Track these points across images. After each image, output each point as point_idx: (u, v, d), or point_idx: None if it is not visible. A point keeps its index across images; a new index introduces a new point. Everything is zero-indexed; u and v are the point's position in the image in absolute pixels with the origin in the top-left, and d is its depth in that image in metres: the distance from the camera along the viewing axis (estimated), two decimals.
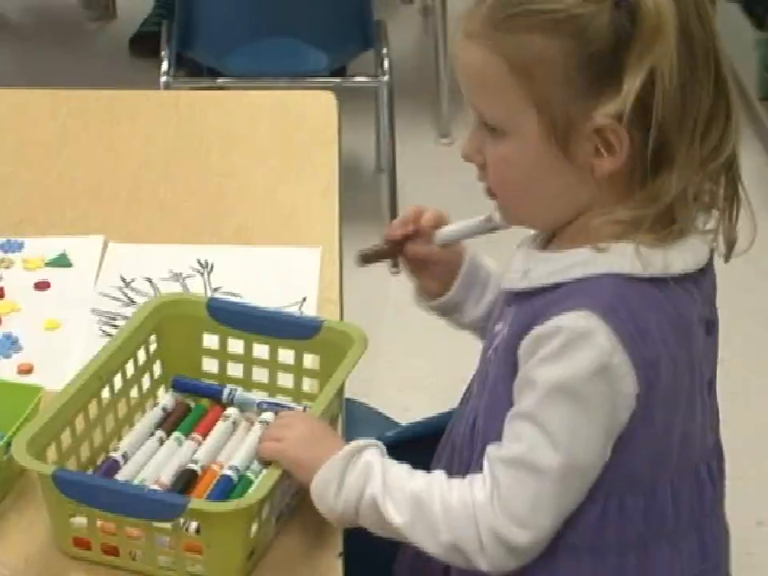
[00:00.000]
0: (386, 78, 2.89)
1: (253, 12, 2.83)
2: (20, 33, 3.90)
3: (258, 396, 1.36)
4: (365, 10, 2.87)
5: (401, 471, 1.19)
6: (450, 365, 2.35)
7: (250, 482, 1.25)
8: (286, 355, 1.36)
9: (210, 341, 1.38)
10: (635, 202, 1.12)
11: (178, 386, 1.37)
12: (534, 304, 1.15)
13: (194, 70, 3.02)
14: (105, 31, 3.87)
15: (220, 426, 1.32)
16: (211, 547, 1.16)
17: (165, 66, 2.87)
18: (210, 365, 1.39)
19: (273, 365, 1.37)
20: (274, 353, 1.36)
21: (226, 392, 1.36)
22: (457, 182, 3.05)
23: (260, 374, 1.38)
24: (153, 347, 1.36)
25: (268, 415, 1.32)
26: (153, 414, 1.33)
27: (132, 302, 1.56)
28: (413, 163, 3.14)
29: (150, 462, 1.27)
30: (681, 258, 1.14)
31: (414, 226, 1.34)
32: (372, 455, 1.20)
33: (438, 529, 1.16)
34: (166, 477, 1.25)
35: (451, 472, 1.22)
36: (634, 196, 1.13)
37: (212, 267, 1.62)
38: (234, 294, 1.58)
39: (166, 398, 1.35)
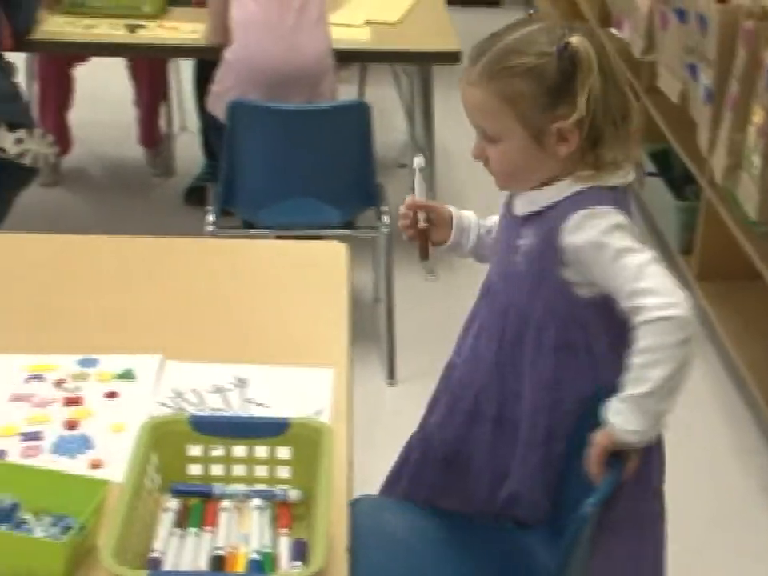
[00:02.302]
0: (385, 230, 2.92)
1: (281, 178, 2.86)
2: (96, 185, 3.92)
3: (242, 487, 1.36)
4: (368, 176, 2.91)
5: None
6: None
7: (271, 556, 1.25)
8: (261, 450, 1.37)
9: (194, 450, 1.38)
10: (584, 164, 1.48)
11: (176, 491, 1.35)
12: (547, 216, 1.50)
13: (234, 220, 3.04)
14: (165, 185, 3.88)
15: (223, 517, 1.31)
16: None
17: (210, 218, 2.89)
18: (195, 469, 1.38)
19: (250, 460, 1.37)
20: (251, 450, 1.36)
21: (216, 489, 1.35)
22: (441, 310, 3.11)
23: (239, 470, 1.38)
24: (156, 462, 1.35)
25: (257, 501, 1.33)
26: (168, 517, 1.31)
27: (182, 410, 1.55)
28: (405, 295, 3.15)
29: (183, 554, 1.26)
30: (614, 179, 1.50)
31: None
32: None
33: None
34: (203, 564, 1.24)
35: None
36: (583, 162, 1.48)
37: (247, 383, 1.61)
38: (263, 405, 1.56)
39: (173, 503, 1.33)
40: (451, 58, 3.12)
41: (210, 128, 3.25)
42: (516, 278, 1.57)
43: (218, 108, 2.96)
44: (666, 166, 3.55)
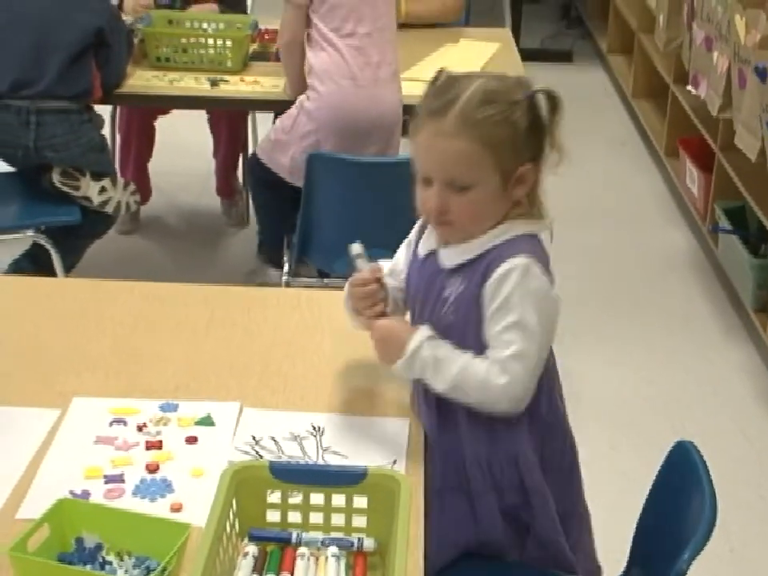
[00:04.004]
0: None
1: (356, 228, 2.87)
2: (173, 233, 4.00)
3: (319, 535, 1.37)
4: None
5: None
6: None
7: None
8: (338, 499, 1.38)
9: (273, 496, 1.39)
10: (520, 206, 1.52)
11: (253, 537, 1.37)
12: (479, 266, 1.51)
13: (309, 269, 3.08)
14: (240, 235, 3.95)
15: (300, 564, 1.32)
16: None
17: (286, 268, 2.94)
18: (273, 516, 1.39)
19: (327, 509, 1.38)
20: (328, 498, 1.38)
21: (294, 536, 1.36)
22: None
23: (316, 517, 1.40)
24: (234, 507, 1.36)
25: (333, 549, 1.34)
26: (247, 562, 1.32)
27: (260, 456, 1.57)
28: None
29: None
30: (539, 227, 1.53)
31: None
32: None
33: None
34: None
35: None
36: (520, 204, 1.52)
37: (323, 431, 1.63)
38: (339, 454, 1.58)
39: (251, 548, 1.34)
40: None
41: (255, 179, 3.28)
42: (444, 330, 1.55)
43: (274, 158, 3.01)
44: (742, 223, 3.52)
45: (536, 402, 1.54)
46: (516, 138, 1.49)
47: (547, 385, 1.58)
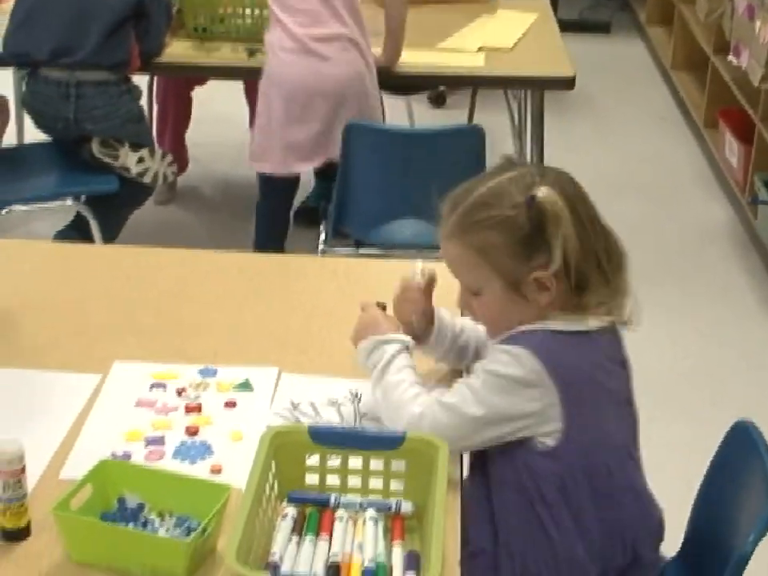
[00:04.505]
0: None
1: (393, 198, 2.90)
2: (209, 203, 4.01)
3: (357, 498, 1.38)
4: None
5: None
6: None
7: (385, 567, 1.27)
8: (377, 463, 1.40)
9: (312, 459, 1.41)
10: (568, 309, 1.46)
11: (292, 499, 1.38)
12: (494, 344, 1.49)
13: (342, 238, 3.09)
14: None
15: (338, 526, 1.34)
16: None
17: (323, 237, 2.95)
18: (311, 479, 1.41)
19: (365, 472, 1.40)
20: (366, 462, 1.39)
21: (332, 499, 1.37)
22: None
23: (354, 481, 1.41)
24: (273, 470, 1.38)
25: (371, 512, 1.35)
26: (287, 524, 1.34)
27: (298, 421, 1.58)
28: None
29: (300, 560, 1.29)
30: (590, 322, 1.46)
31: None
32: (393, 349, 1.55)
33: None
34: (320, 570, 1.26)
35: None
36: (568, 306, 1.46)
37: (361, 397, 1.63)
38: (377, 420, 1.58)
39: (290, 510, 1.36)
40: (566, 83, 3.13)
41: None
42: None
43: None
44: None
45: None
46: (514, 242, 1.43)
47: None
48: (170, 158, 3.27)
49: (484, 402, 1.45)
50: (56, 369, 1.68)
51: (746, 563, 1.42)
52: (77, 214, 3.26)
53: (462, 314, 1.59)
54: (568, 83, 3.11)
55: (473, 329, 1.69)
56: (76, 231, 3.23)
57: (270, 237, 3.24)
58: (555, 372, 1.42)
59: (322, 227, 3.00)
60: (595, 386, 1.47)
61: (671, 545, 1.66)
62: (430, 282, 1.65)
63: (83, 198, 3.17)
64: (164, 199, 3.93)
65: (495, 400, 1.44)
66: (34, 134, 3.36)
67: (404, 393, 1.51)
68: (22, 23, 3.01)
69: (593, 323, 1.47)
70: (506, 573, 1.51)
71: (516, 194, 1.44)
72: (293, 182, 3.20)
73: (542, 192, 1.42)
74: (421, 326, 1.65)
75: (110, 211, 3.20)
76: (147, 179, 3.19)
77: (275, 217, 3.26)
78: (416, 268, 1.67)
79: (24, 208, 3.13)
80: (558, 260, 1.42)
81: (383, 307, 1.66)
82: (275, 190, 3.19)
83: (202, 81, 3.91)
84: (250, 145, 3.13)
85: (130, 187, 3.18)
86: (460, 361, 1.70)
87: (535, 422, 1.44)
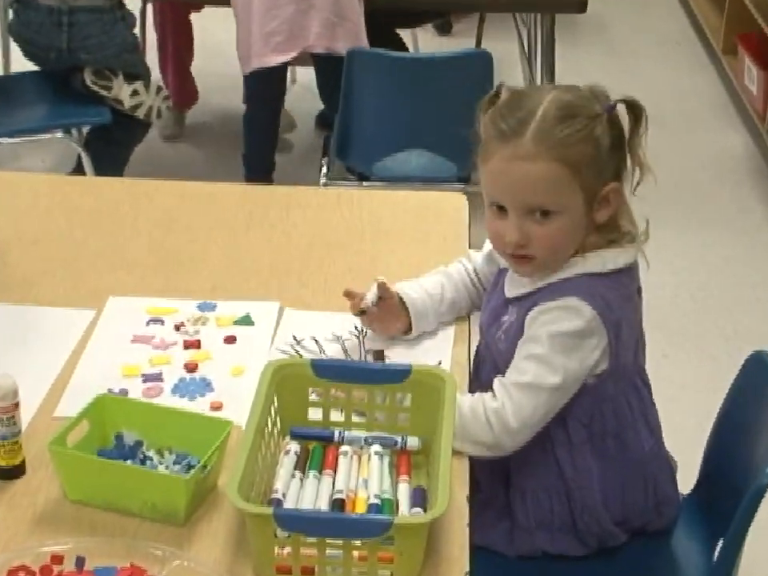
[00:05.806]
0: None
1: (394, 130, 2.86)
2: (215, 137, 3.95)
3: (361, 433, 1.37)
4: None
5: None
6: None
7: (390, 502, 1.26)
8: (381, 396, 1.39)
9: (315, 394, 1.40)
10: (599, 237, 1.44)
11: (295, 434, 1.37)
12: (532, 297, 1.44)
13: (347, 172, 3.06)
14: (282, 139, 3.85)
15: (343, 461, 1.33)
16: (403, 554, 1.17)
17: (324, 170, 2.92)
18: (315, 414, 1.40)
19: (370, 406, 1.39)
20: (371, 396, 1.38)
21: (336, 434, 1.36)
22: None
23: (359, 416, 1.40)
24: (275, 404, 1.36)
25: (376, 447, 1.34)
26: (290, 459, 1.33)
27: (300, 356, 1.57)
28: None
29: (304, 496, 1.28)
30: (622, 259, 1.44)
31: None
32: None
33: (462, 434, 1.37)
34: (324, 506, 1.26)
35: None
36: (598, 234, 1.44)
37: (366, 333, 1.61)
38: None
39: (293, 445, 1.35)
40: (577, 5, 3.07)
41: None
42: (497, 354, 1.51)
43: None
44: None
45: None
46: (599, 156, 1.39)
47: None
48: (165, 92, 3.23)
49: (557, 367, 1.39)
50: (48, 304, 1.66)
51: (763, 495, 1.42)
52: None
53: (503, 245, 1.45)
54: (580, 5, 3.06)
55: (439, 283, 1.63)
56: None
57: (259, 149, 3.27)
58: (604, 316, 1.40)
59: (323, 161, 2.96)
60: (629, 322, 1.46)
61: (685, 484, 1.66)
62: (383, 294, 1.58)
63: (75, 132, 3.13)
64: (171, 134, 3.87)
65: (566, 361, 1.40)
66: (22, 64, 3.31)
67: (467, 402, 1.41)
68: None
69: (623, 259, 1.44)
70: (519, 516, 1.50)
71: (592, 105, 1.40)
72: (277, 90, 3.23)
73: (622, 97, 1.41)
74: (403, 326, 1.60)
75: (107, 151, 3.16)
76: (141, 113, 3.14)
77: (262, 126, 3.26)
78: (372, 293, 1.58)
79: (12, 141, 3.08)
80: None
81: (381, 356, 1.57)
82: (261, 99, 3.21)
83: (198, 6, 3.84)
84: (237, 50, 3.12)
85: (125, 124, 3.14)
86: (457, 314, 1.65)
87: (593, 370, 1.43)
